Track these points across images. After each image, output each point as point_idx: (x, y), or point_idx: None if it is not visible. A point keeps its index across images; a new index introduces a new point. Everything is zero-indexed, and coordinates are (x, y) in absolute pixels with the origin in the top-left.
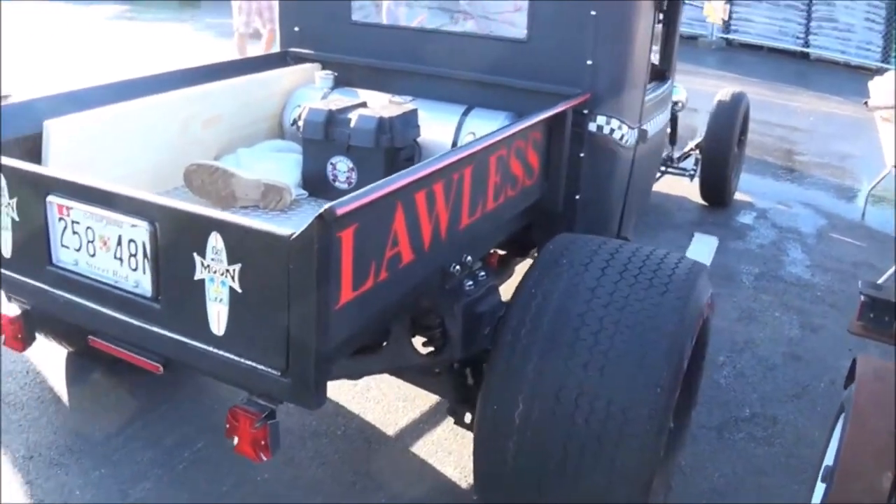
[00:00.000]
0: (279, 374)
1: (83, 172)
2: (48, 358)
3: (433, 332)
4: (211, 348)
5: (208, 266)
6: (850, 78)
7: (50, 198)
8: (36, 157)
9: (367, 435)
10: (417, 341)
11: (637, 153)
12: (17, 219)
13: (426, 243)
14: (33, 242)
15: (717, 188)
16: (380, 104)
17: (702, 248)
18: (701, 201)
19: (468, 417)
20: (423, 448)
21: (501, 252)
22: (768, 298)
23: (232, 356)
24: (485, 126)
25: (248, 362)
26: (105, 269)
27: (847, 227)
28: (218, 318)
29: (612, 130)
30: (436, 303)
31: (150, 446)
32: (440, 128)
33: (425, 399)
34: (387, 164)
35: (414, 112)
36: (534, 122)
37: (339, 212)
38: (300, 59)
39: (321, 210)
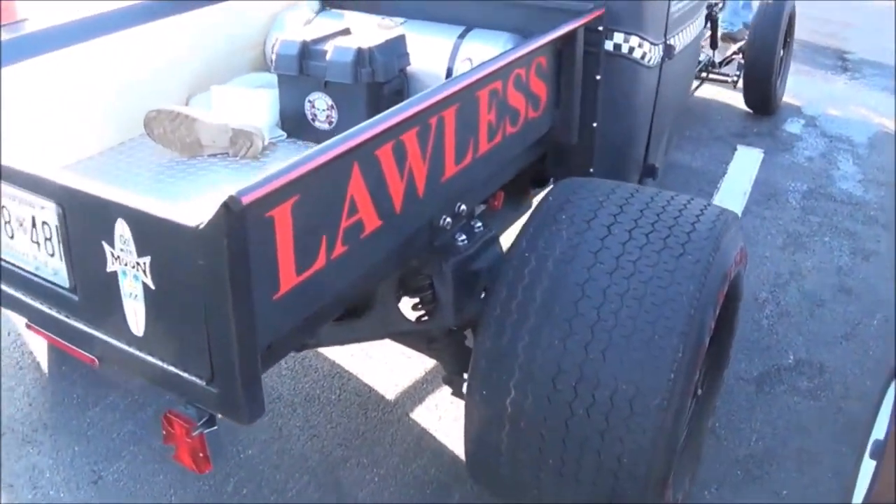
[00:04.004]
0: (204, 383)
1: (41, 124)
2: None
3: (424, 295)
4: (133, 350)
5: (119, 257)
6: None
7: None
8: None
9: (364, 399)
10: (408, 304)
11: (663, 71)
12: None
13: (397, 205)
14: None
15: (761, 95)
16: (365, 29)
17: (745, 164)
18: (745, 108)
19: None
20: (425, 414)
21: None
22: (817, 220)
23: (155, 360)
24: (484, 50)
25: (172, 368)
26: (25, 253)
27: None
28: (136, 316)
29: (632, 49)
30: (424, 261)
31: (128, 418)
32: (433, 54)
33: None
34: (369, 101)
35: (400, 39)
36: (536, 46)
37: (246, 200)
38: None
39: (227, 197)
